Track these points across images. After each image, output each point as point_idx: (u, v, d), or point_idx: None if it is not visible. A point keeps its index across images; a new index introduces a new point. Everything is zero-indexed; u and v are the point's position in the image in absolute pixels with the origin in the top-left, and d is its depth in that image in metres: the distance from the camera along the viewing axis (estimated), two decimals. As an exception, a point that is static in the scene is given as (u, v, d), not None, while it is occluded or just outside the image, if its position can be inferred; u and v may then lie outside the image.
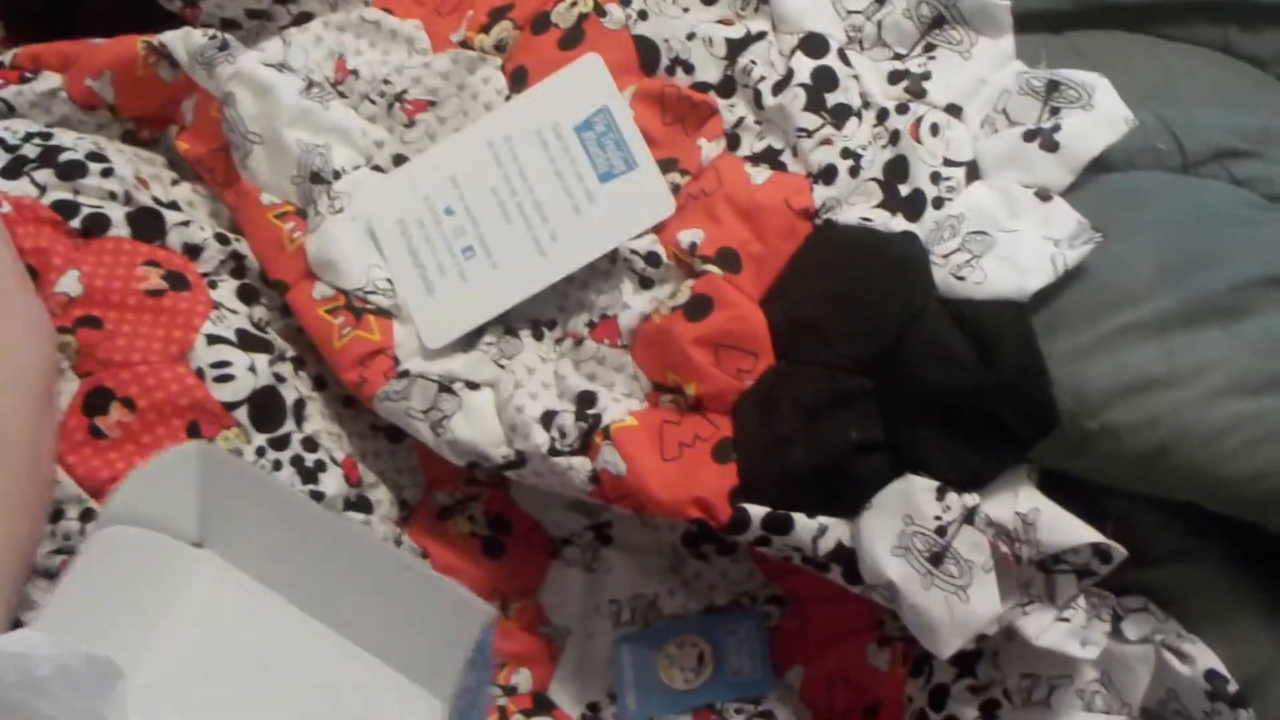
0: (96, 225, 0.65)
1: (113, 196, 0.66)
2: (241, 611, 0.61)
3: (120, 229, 0.65)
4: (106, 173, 0.66)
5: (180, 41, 0.68)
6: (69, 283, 0.62)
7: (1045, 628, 0.55)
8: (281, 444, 0.64)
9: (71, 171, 0.65)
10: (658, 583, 0.70)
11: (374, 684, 0.60)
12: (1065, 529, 0.54)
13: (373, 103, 0.69)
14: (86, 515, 0.60)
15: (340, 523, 0.61)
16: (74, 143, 0.67)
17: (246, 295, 0.68)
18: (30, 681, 0.49)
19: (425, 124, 0.69)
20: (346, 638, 0.61)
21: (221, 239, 0.68)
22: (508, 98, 0.68)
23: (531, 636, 0.69)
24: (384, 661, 0.60)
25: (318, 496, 0.63)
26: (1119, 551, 0.53)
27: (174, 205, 0.69)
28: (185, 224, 0.67)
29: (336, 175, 0.67)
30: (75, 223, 0.64)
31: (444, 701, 0.57)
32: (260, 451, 0.63)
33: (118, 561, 0.58)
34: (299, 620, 0.61)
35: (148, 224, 0.66)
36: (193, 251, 0.67)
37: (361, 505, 0.66)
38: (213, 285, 0.66)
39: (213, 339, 0.63)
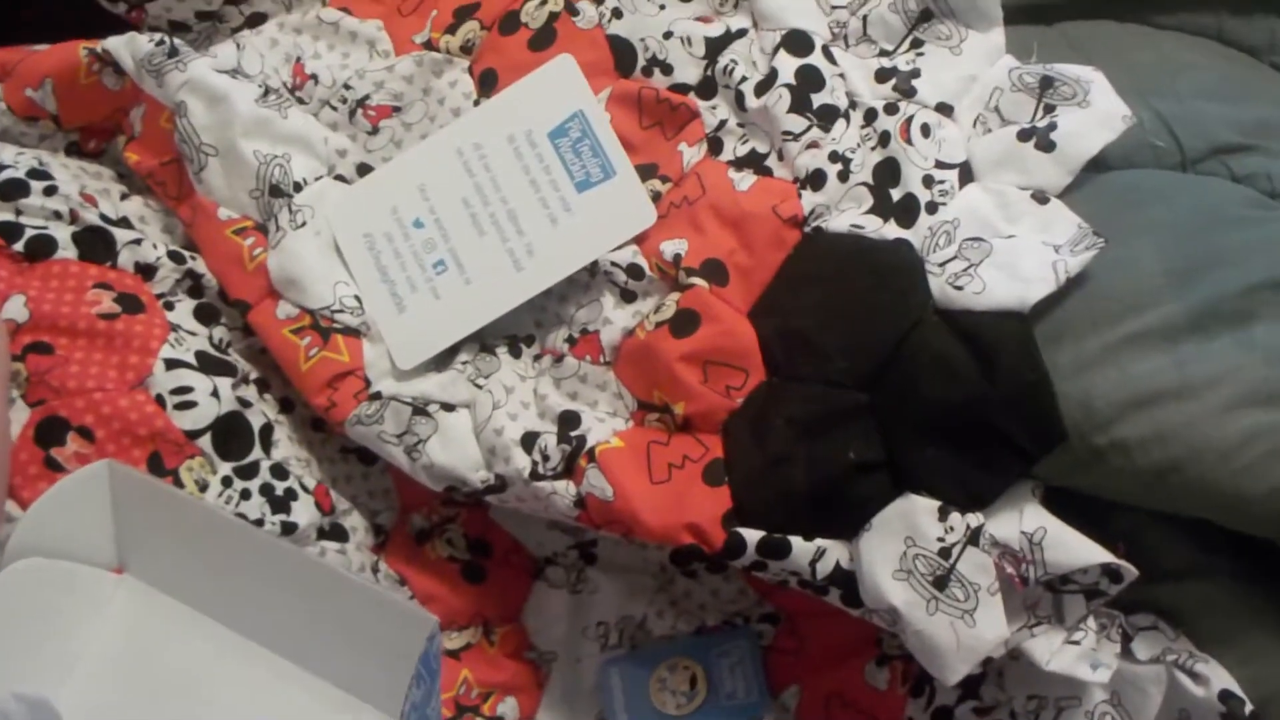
0: (41, 248, 0.61)
1: (58, 216, 0.62)
2: (168, 637, 0.59)
3: (67, 250, 0.62)
4: (50, 190, 0.62)
5: (125, 48, 0.64)
6: (14, 308, 0.59)
7: (1055, 650, 0.53)
8: (249, 473, 0.61)
9: (12, 191, 0.62)
10: (646, 603, 0.68)
11: (317, 704, 0.58)
12: (1073, 549, 0.52)
13: (334, 109, 0.66)
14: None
15: (267, 539, 0.58)
16: (14, 159, 0.64)
17: (205, 316, 0.65)
18: None
19: (390, 131, 0.66)
20: (284, 657, 0.59)
21: (176, 257, 0.64)
22: (476, 102, 0.65)
23: (516, 663, 0.67)
24: (326, 680, 0.59)
25: (290, 527, 0.60)
26: (1130, 572, 0.52)
27: (124, 222, 0.65)
28: (137, 242, 0.63)
29: (298, 187, 0.63)
30: (18, 246, 0.61)
31: (393, 717, 0.55)
32: (227, 481, 0.60)
33: (27, 596, 0.56)
34: (232, 642, 0.59)
35: (96, 244, 0.63)
36: (146, 271, 0.63)
37: (336, 534, 0.64)
38: (169, 306, 0.63)
39: (171, 363, 0.60)
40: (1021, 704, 0.57)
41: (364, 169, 0.66)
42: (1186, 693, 0.54)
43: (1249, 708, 0.53)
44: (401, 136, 0.66)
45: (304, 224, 0.63)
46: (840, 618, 0.60)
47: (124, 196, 0.68)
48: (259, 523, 0.59)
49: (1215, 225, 0.56)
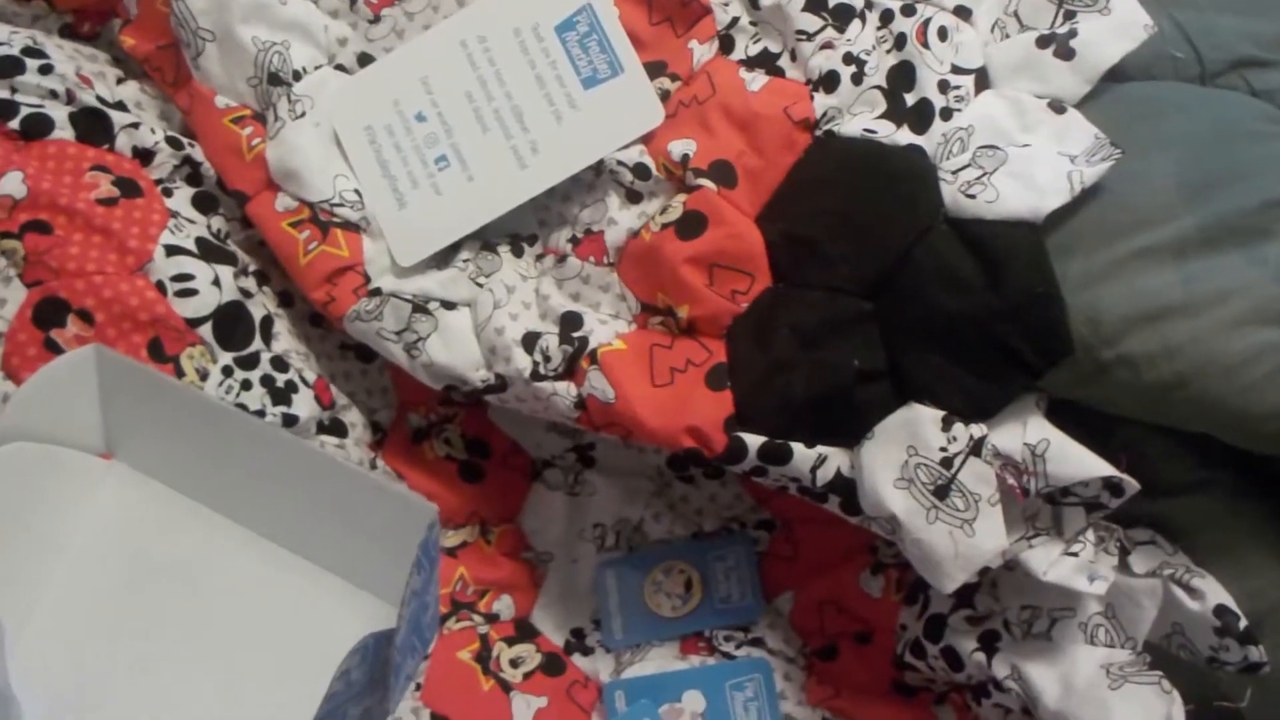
0: (38, 126, 0.60)
1: (54, 95, 0.61)
2: (159, 523, 0.59)
3: (64, 131, 0.61)
4: (45, 69, 0.61)
5: (121, -73, 0.63)
6: (11, 184, 0.58)
7: (1052, 562, 0.53)
8: (250, 363, 0.60)
9: (7, 68, 0.60)
10: (643, 507, 0.68)
11: (315, 590, 0.58)
12: (1076, 461, 0.52)
13: (335, -4, 0.64)
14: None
15: (262, 426, 0.58)
16: (8, 37, 0.62)
17: (203, 204, 0.64)
18: None
19: (392, 20, 0.64)
20: (281, 545, 0.59)
21: (174, 143, 0.63)
22: (482, -8, 0.63)
23: (513, 562, 0.67)
24: (324, 568, 0.59)
25: (291, 419, 0.60)
26: (1131, 485, 0.51)
27: (120, 106, 0.64)
28: (134, 126, 0.62)
29: (297, 76, 0.62)
30: (14, 124, 0.60)
31: (394, 605, 0.55)
32: (227, 371, 0.60)
33: (15, 480, 0.56)
34: (227, 529, 0.59)
35: (94, 125, 0.61)
36: (144, 156, 0.62)
37: (335, 429, 0.63)
38: (167, 193, 0.62)
39: (172, 250, 0.59)
40: (1015, 614, 0.57)
41: (365, 59, 0.64)
42: (1181, 606, 0.54)
43: (1244, 623, 0.53)
44: (404, 26, 0.64)
45: (303, 114, 0.61)
46: (836, 525, 0.60)
47: (120, 80, 0.66)
48: (260, 414, 0.59)
49: (1232, 140, 0.55)
